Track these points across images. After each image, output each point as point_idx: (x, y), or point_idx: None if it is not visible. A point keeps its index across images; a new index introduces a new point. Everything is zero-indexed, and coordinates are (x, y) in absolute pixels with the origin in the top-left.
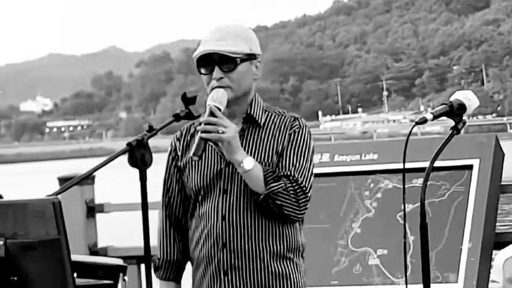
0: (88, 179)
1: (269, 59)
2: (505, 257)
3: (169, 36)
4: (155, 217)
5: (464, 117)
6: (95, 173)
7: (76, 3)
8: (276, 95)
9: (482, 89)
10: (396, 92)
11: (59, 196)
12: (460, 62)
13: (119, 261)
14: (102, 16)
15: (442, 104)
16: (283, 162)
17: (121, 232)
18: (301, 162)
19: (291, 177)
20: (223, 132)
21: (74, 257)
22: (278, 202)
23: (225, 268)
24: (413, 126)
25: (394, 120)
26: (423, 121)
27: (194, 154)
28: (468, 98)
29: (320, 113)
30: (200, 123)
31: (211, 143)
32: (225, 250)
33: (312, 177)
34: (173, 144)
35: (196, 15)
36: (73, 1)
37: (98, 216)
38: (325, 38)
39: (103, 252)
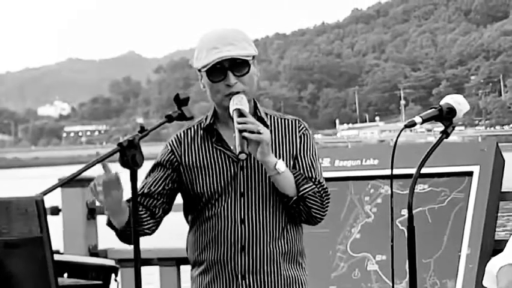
0: (89, 181)
1: (288, 66)
2: (499, 265)
3: (188, 42)
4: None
5: (481, 128)
6: (95, 176)
7: (95, 8)
8: (294, 103)
9: (499, 99)
10: (414, 101)
11: (45, 196)
12: (478, 72)
13: (111, 262)
14: (121, 21)
15: (432, 108)
16: (302, 165)
17: None
18: (317, 165)
19: (313, 179)
20: (262, 133)
21: (66, 257)
22: (309, 204)
23: (243, 272)
24: (402, 130)
25: (411, 130)
26: (413, 124)
27: (242, 152)
28: (458, 102)
29: (337, 121)
30: (213, 119)
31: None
32: (242, 253)
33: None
34: (169, 147)
35: (215, 22)
36: (92, 6)
37: (99, 218)
38: (343, 46)
39: (103, 254)
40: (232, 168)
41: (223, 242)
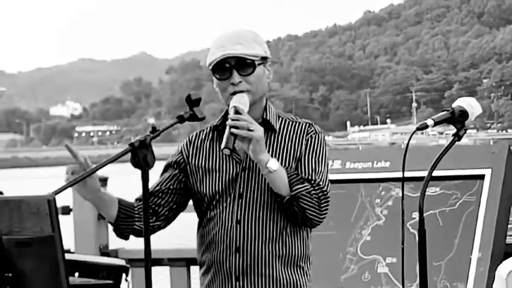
0: (100, 181)
1: (299, 68)
2: (509, 269)
3: (199, 43)
4: None
5: (493, 131)
6: (107, 176)
7: (107, 8)
8: (305, 104)
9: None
10: (426, 103)
11: (57, 195)
12: (490, 75)
13: (122, 262)
14: (133, 22)
15: (444, 110)
16: (303, 167)
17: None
18: (320, 167)
19: (312, 181)
20: (253, 130)
21: (77, 256)
22: (302, 205)
23: (237, 273)
24: (414, 132)
25: (422, 132)
26: (425, 127)
27: (225, 147)
28: (470, 104)
29: (348, 123)
30: (222, 120)
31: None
32: (237, 254)
33: (329, 183)
34: (179, 148)
35: (226, 23)
36: (104, 7)
37: None
38: (355, 48)
39: (114, 254)
40: (234, 169)
41: (220, 243)
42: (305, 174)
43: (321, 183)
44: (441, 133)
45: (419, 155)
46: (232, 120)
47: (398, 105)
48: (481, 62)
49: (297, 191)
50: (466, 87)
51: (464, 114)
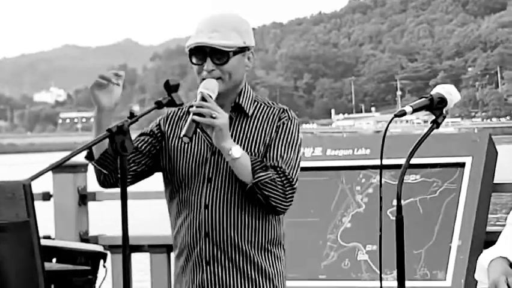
0: (81, 167)
1: (284, 55)
2: (490, 258)
3: (184, 30)
4: (140, 206)
5: (477, 120)
6: (87, 162)
7: None
8: (289, 92)
9: (496, 91)
10: (410, 92)
11: (36, 181)
12: (475, 64)
13: (100, 248)
14: (117, 8)
15: (422, 97)
16: (271, 153)
17: (113, 221)
18: (289, 154)
19: (278, 168)
20: (215, 118)
21: (55, 242)
22: (265, 192)
23: (207, 258)
24: (392, 119)
25: (407, 121)
26: (403, 114)
27: (185, 135)
28: (449, 92)
29: (333, 111)
30: (192, 106)
31: (199, 129)
32: (207, 239)
33: (299, 170)
34: (158, 121)
35: (211, 10)
36: None
37: (91, 204)
38: (340, 36)
39: (94, 240)
40: (204, 153)
41: (190, 227)
42: (272, 161)
43: (287, 170)
44: (426, 121)
45: (401, 142)
46: (196, 107)
47: (383, 94)
48: (465, 51)
49: (259, 178)
50: (450, 76)
51: (443, 101)
